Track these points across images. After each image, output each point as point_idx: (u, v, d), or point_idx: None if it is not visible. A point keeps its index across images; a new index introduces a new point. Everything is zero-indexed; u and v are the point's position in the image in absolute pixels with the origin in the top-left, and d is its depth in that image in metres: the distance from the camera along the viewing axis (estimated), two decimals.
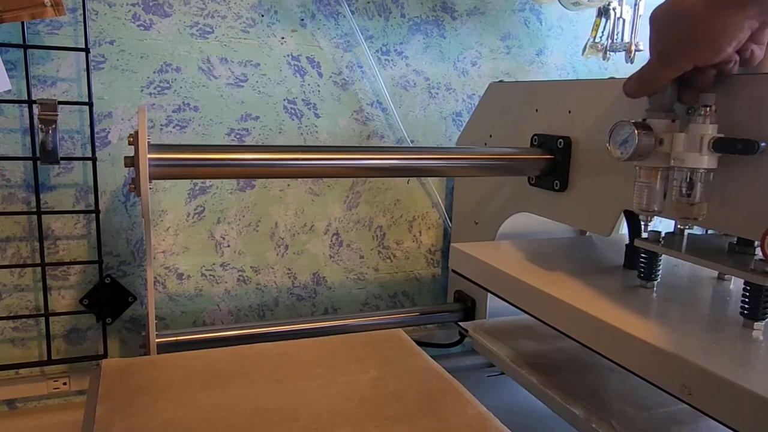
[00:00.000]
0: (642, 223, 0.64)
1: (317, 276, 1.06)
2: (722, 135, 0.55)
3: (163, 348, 0.79)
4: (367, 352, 0.70)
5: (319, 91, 1.00)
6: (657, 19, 0.57)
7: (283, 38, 0.96)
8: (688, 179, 0.56)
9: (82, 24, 0.83)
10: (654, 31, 0.57)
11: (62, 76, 0.85)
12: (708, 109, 0.55)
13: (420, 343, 0.74)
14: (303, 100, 0.99)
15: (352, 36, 1.00)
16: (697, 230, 0.71)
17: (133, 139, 0.63)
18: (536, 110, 0.83)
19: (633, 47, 1.02)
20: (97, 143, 0.87)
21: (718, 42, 0.53)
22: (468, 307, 0.99)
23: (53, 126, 0.76)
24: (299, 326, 0.91)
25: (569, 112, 0.77)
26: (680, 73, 0.56)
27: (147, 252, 0.72)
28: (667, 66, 0.56)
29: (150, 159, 0.63)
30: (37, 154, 0.82)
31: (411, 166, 0.77)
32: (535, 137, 0.82)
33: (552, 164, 0.79)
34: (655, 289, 0.67)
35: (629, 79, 0.60)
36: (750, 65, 0.56)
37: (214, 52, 0.92)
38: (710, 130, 0.55)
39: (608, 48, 1.05)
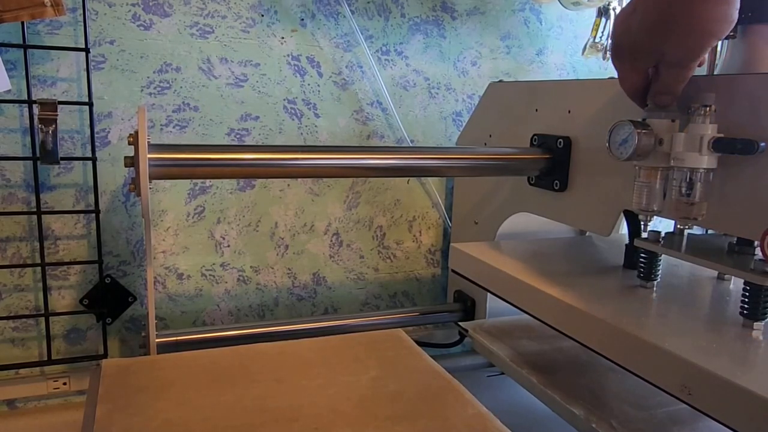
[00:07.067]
0: (642, 223, 0.64)
1: (317, 276, 1.06)
2: (722, 135, 0.55)
3: (163, 348, 0.79)
4: (367, 352, 0.70)
5: (319, 91, 1.00)
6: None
7: (283, 38, 0.96)
8: (687, 179, 0.56)
9: (82, 24, 0.83)
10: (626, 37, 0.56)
11: (62, 76, 0.85)
12: (708, 109, 0.55)
13: (420, 343, 0.74)
14: (303, 100, 0.99)
15: (352, 36, 1.00)
16: (697, 230, 0.71)
17: (133, 139, 0.63)
18: (536, 110, 0.83)
19: None
20: (97, 143, 0.87)
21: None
22: (468, 307, 0.99)
23: (53, 126, 0.76)
24: (299, 326, 0.91)
25: (569, 112, 0.77)
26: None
27: (147, 252, 0.72)
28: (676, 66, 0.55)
29: (150, 159, 0.63)
30: (37, 154, 0.82)
31: (411, 166, 0.77)
32: (535, 137, 0.82)
33: (552, 164, 0.79)
34: (654, 289, 0.67)
35: (656, 95, 0.58)
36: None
37: (214, 52, 0.92)
38: (710, 130, 0.55)
39: (608, 48, 1.05)
